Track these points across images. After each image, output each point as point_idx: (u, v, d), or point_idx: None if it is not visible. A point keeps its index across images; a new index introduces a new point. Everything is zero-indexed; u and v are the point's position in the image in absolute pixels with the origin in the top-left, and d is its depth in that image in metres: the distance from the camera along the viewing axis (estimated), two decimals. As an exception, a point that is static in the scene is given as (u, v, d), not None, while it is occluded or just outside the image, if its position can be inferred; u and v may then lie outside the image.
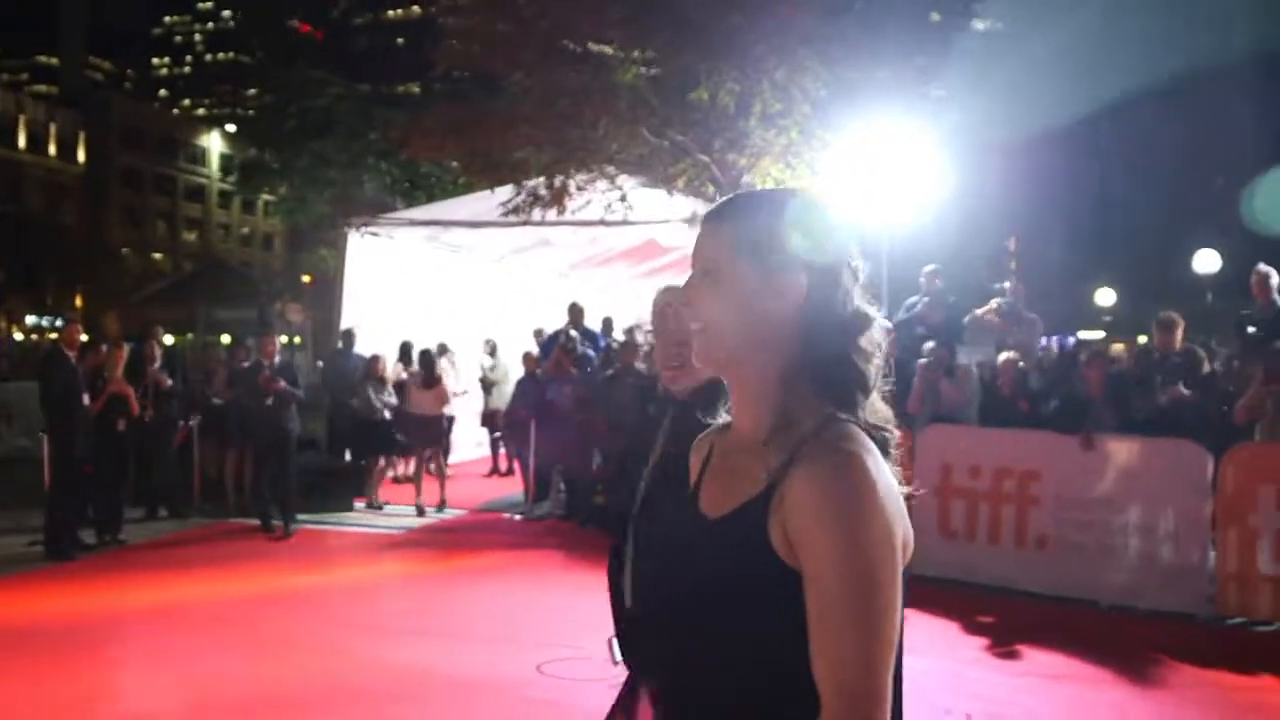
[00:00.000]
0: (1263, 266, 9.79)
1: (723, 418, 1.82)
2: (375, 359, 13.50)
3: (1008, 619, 8.02)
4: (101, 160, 75.54)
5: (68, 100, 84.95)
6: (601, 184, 12.68)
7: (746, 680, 1.57)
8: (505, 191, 13.11)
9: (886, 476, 1.54)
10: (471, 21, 13.22)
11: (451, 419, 14.09)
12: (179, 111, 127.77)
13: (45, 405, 10.42)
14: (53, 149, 73.43)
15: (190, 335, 30.61)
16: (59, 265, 58.88)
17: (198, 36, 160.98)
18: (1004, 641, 7.56)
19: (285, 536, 11.17)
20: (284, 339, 18.98)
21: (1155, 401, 9.08)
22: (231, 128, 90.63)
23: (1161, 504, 8.40)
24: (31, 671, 6.69)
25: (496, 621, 8.09)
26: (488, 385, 16.19)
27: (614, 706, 2.47)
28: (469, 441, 16.71)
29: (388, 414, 13.31)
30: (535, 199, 12.65)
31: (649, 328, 3.41)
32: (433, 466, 13.39)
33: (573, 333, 12.62)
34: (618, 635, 2.90)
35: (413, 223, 15.48)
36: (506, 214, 12.81)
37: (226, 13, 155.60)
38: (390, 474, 14.40)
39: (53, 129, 73.81)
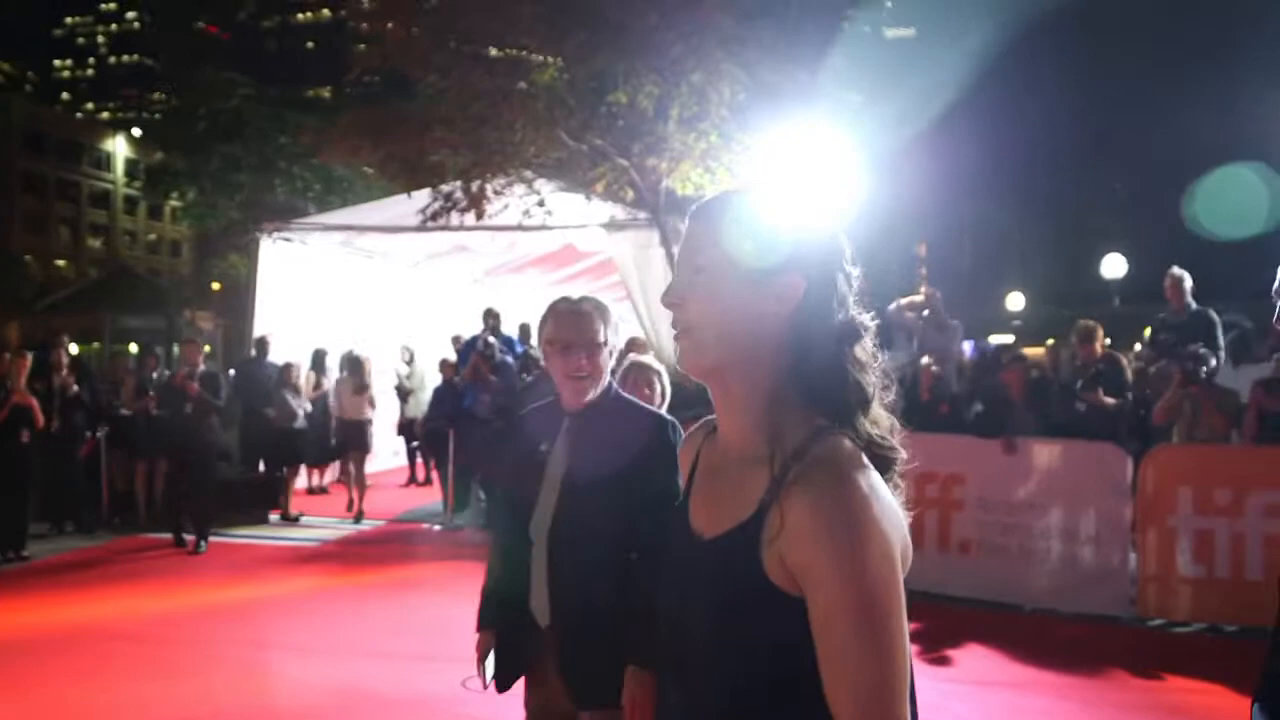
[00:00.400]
0: (1176, 270, 9.91)
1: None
2: (289, 366, 13.25)
3: (933, 624, 7.99)
4: (2, 165, 73.50)
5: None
6: (519, 188, 12.52)
7: (743, 696, 1.54)
8: (422, 196, 12.93)
9: (881, 493, 1.50)
10: (381, 25, 13.02)
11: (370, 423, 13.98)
12: (82, 115, 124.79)
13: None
14: (-50, 153, 71.40)
15: (97, 344, 29.86)
16: (-42, 273, 57.21)
17: (101, 38, 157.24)
18: (931, 647, 7.51)
19: (198, 551, 10.84)
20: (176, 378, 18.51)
21: (1075, 408, 9.14)
22: (137, 132, 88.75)
23: (1083, 506, 8.45)
24: (-77, 700, 6.37)
25: (419, 636, 7.87)
26: (404, 393, 15.94)
27: None
28: (385, 450, 16.43)
29: (303, 422, 13.08)
30: (452, 203, 12.45)
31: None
32: (353, 474, 13.24)
33: (491, 339, 12.41)
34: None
35: (326, 227, 15.17)
36: (424, 219, 12.59)
37: (131, 14, 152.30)
38: (305, 485, 14.13)
39: (-50, 133, 71.78)
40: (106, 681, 6.77)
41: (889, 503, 1.50)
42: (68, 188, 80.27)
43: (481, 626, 3.48)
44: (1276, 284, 2.38)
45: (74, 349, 19.46)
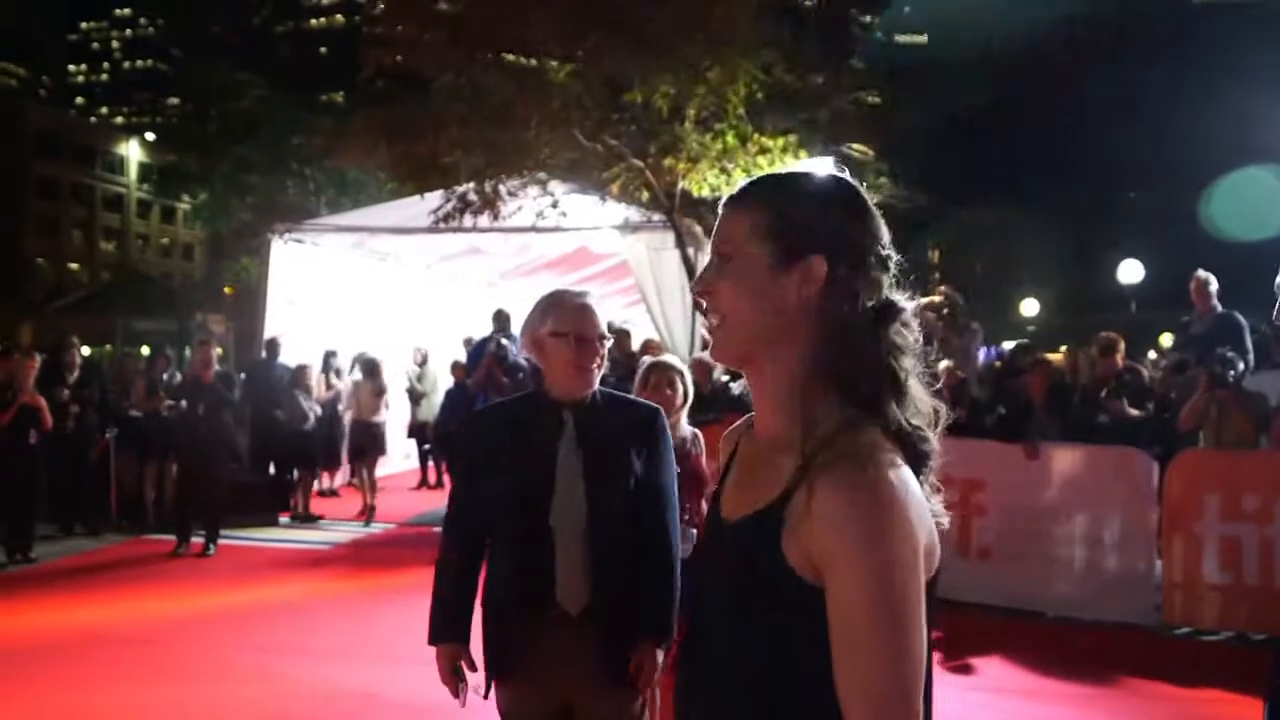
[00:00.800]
0: (1201, 273, 9.79)
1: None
2: (303, 368, 13.21)
3: (953, 632, 7.83)
4: (16, 169, 73.63)
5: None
6: (533, 190, 12.42)
7: (761, 694, 1.52)
8: (435, 197, 12.84)
9: (909, 487, 1.45)
10: (393, 29, 12.97)
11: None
12: (96, 119, 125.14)
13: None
14: (-35, 157, 71.51)
15: (109, 347, 29.89)
16: (-29, 276, 57.39)
17: (115, 43, 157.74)
18: (951, 656, 7.38)
19: (207, 553, 10.74)
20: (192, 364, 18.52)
21: (1098, 418, 9.01)
22: (151, 136, 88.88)
23: (1107, 512, 8.33)
24: (-72, 704, 6.26)
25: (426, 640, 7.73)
26: (415, 396, 15.84)
27: None
28: (397, 454, 16.34)
29: (313, 424, 13.07)
30: (465, 205, 12.35)
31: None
32: (365, 477, 13.27)
33: (504, 340, 12.30)
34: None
35: (339, 229, 15.09)
36: (436, 221, 12.50)
37: (145, 19, 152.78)
38: (316, 487, 14.05)
39: (-35, 137, 71.89)
40: (112, 686, 6.65)
41: (917, 497, 1.46)
42: (81, 191, 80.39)
43: (446, 639, 3.39)
44: (1279, 279, 2.40)
45: (85, 351, 19.41)
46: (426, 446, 16.07)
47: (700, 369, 8.82)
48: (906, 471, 1.47)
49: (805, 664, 1.46)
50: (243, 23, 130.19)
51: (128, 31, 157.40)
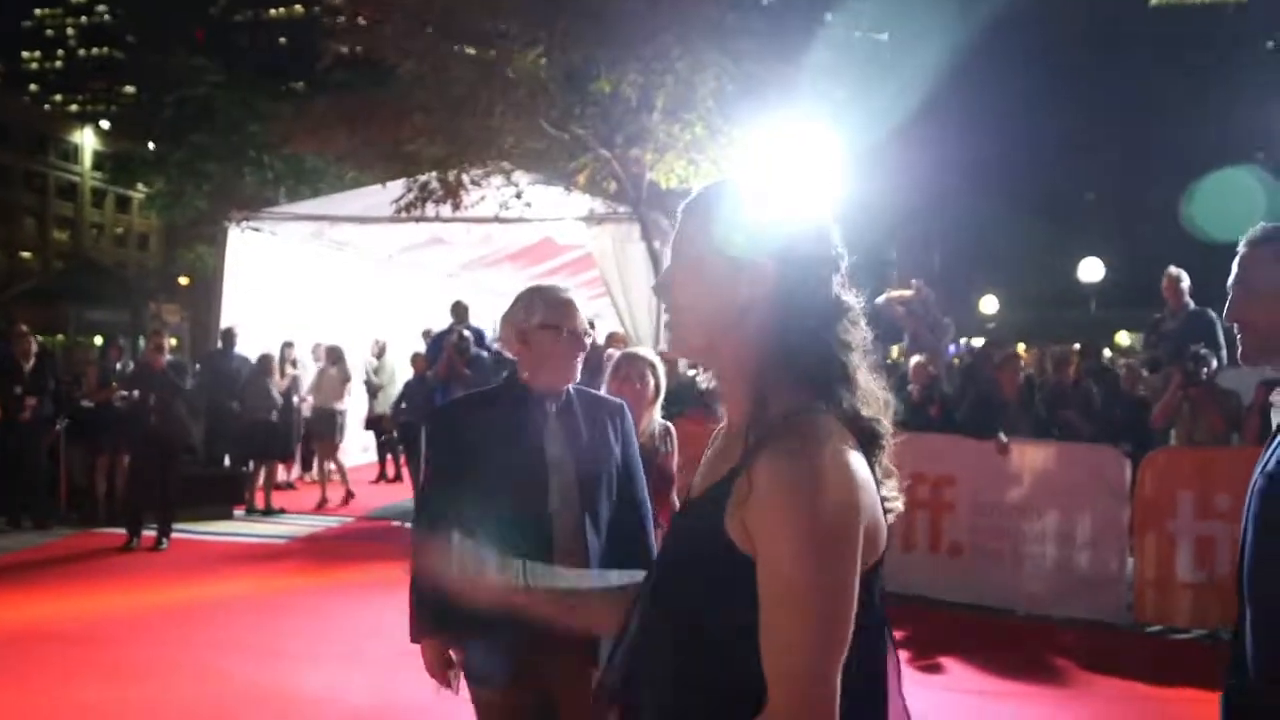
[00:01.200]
0: (1174, 269, 9.76)
1: None
2: (268, 357, 13.12)
3: (923, 630, 7.74)
4: (-33, 156, 72.57)
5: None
6: (496, 179, 12.21)
7: (694, 665, 1.58)
8: (396, 186, 12.63)
9: (851, 465, 1.51)
10: (356, 18, 12.75)
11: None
12: (50, 107, 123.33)
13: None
14: (-84, 144, 70.41)
15: (60, 337, 29.35)
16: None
17: (70, 30, 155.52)
18: (920, 653, 7.28)
19: (159, 548, 10.46)
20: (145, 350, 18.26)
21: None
22: (105, 124, 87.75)
23: (1079, 510, 8.27)
24: None
25: (393, 641, 7.51)
26: (373, 389, 15.58)
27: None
28: (355, 446, 16.09)
29: (276, 415, 12.96)
30: (427, 194, 12.13)
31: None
32: (329, 466, 13.53)
33: (465, 332, 12.10)
34: None
35: (297, 217, 14.83)
36: (399, 210, 12.28)
37: (101, 6, 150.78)
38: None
39: (-84, 123, 70.77)
40: (59, 686, 6.41)
41: (860, 476, 1.52)
42: (34, 179, 79.26)
43: (432, 633, 3.33)
44: (1232, 275, 2.53)
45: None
46: (383, 439, 15.83)
47: (669, 363, 8.67)
48: (853, 453, 1.53)
49: (741, 638, 1.49)
50: (201, 11, 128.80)
51: (83, 19, 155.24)
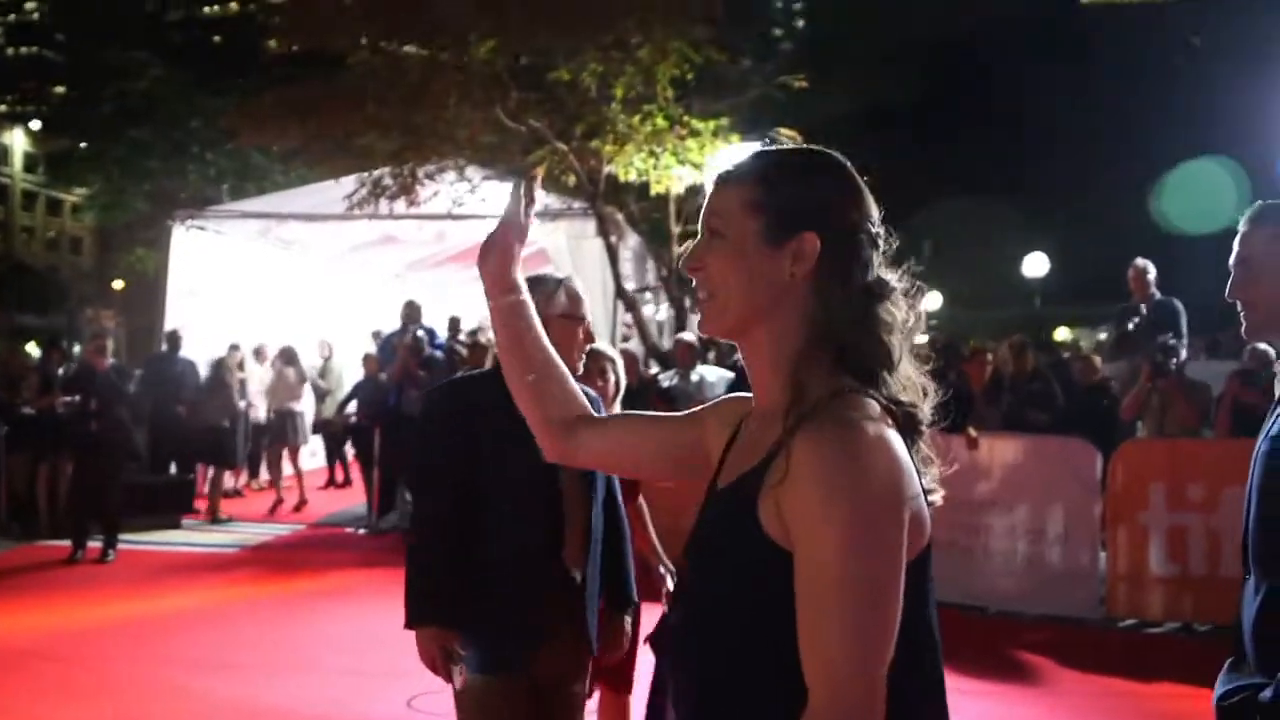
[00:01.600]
0: (1140, 260, 9.75)
1: None
2: (222, 360, 12.98)
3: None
4: (-109, 158, 70.94)
5: None
6: (450, 175, 11.98)
7: (734, 665, 1.51)
8: (347, 183, 12.41)
9: (896, 451, 1.44)
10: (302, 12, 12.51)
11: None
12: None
13: None
14: None
15: (-9, 342, 28.66)
16: None
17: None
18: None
19: (105, 559, 10.10)
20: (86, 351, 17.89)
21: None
22: (36, 125, 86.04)
23: (1050, 504, 8.20)
24: None
25: (354, 650, 7.28)
26: (320, 393, 15.23)
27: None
28: (303, 451, 15.76)
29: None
30: (380, 190, 11.88)
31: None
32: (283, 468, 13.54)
33: (420, 333, 11.86)
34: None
35: (245, 215, 14.50)
36: (350, 206, 12.02)
37: (30, 4, 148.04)
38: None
39: None
40: (6, 706, 6.09)
41: (903, 462, 1.44)
42: (-38, 183, 77.69)
43: (432, 621, 3.22)
44: (1234, 253, 2.51)
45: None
46: (332, 443, 15.50)
47: (628, 361, 8.52)
48: (895, 437, 1.46)
49: (778, 635, 1.41)
50: (134, 9, 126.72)
51: (10, 17, 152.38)
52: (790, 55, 12.80)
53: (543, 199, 11.51)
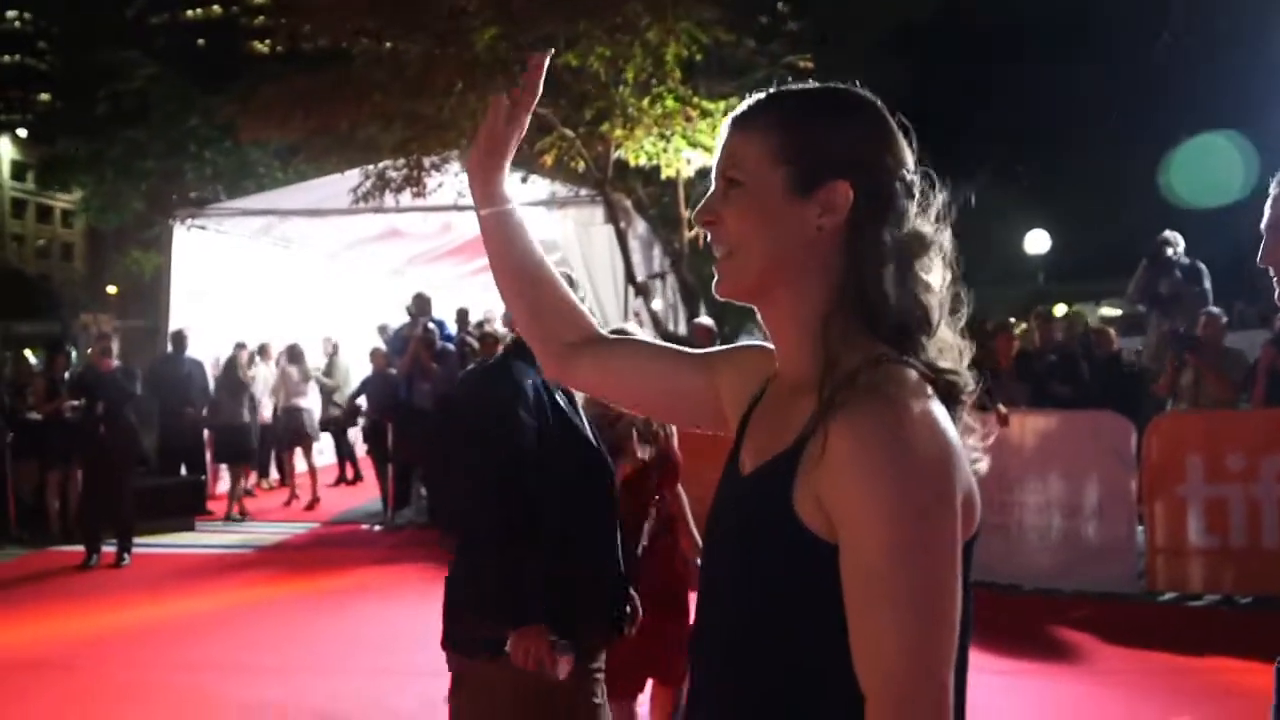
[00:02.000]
0: (1168, 233, 9.68)
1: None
2: (234, 359, 12.91)
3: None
4: (-121, 169, 70.74)
5: None
6: (455, 166, 11.83)
7: (768, 668, 1.36)
8: (350, 178, 12.26)
9: (945, 427, 1.29)
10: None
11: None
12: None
13: None
14: None
15: (-11, 350, 28.49)
16: None
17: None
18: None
19: (120, 564, 9.95)
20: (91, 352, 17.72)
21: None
22: (23, 132, 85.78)
23: (1084, 479, 8.13)
24: None
25: (373, 648, 7.15)
26: (327, 391, 15.07)
27: None
28: (314, 448, 15.63)
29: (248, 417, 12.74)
30: (385, 182, 11.72)
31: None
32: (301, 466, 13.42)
33: (431, 325, 11.71)
34: None
35: (246, 212, 14.33)
36: (356, 200, 11.86)
37: (12, 13, 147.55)
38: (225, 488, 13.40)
39: None
40: (19, 714, 5.95)
41: (952, 437, 1.29)
42: (-51, 192, 77.51)
43: (533, 619, 3.02)
44: (1265, 218, 2.34)
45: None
46: (340, 440, 15.36)
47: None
48: (941, 412, 1.31)
49: (815, 631, 1.30)
50: (117, 14, 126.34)
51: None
52: (796, 35, 12.66)
53: (549, 187, 11.35)
